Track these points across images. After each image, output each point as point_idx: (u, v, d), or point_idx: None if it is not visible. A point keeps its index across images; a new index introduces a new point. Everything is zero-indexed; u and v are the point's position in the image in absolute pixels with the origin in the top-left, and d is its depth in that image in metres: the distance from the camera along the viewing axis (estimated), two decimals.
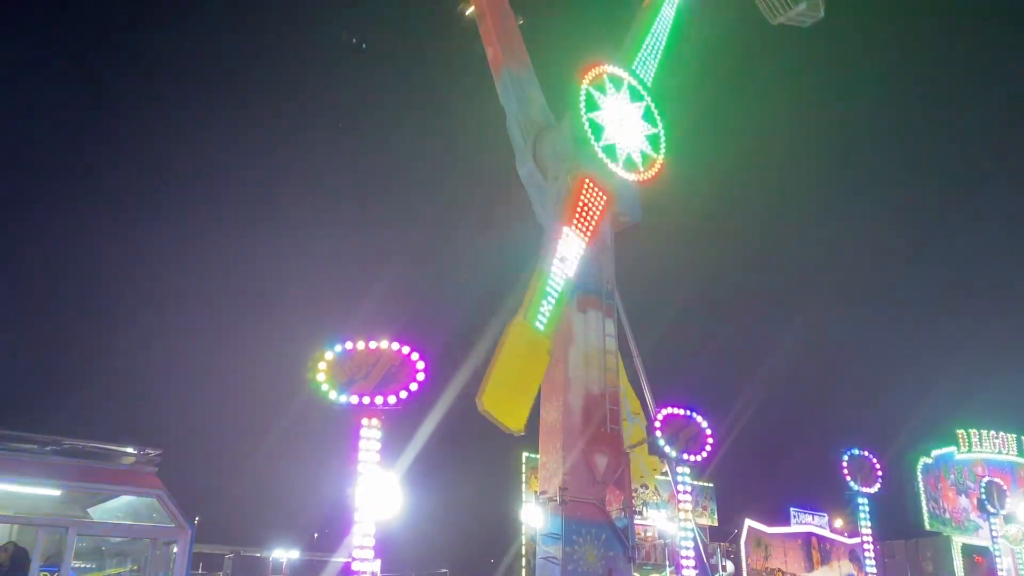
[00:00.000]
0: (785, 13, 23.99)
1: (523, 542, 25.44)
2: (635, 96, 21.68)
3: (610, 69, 21.26)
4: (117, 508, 13.38)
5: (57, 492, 12.28)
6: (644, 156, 21.37)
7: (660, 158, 21.50)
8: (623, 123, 21.13)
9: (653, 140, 21.69)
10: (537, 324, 17.28)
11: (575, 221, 19.07)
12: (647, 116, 21.80)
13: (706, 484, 31.69)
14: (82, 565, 14.45)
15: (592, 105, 20.57)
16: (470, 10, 22.08)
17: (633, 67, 22.10)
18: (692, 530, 17.59)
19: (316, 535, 33.96)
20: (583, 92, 20.32)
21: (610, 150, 20.61)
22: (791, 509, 33.94)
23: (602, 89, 20.87)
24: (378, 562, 15.40)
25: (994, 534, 26.33)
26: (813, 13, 24.08)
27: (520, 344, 16.87)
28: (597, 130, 20.46)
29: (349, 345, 12.93)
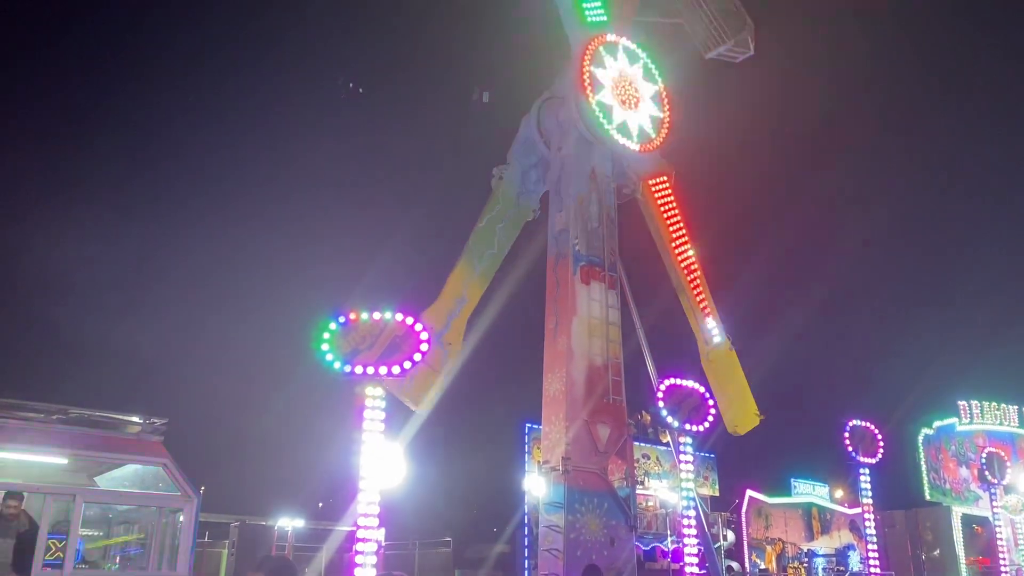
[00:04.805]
0: (715, 49, 24.05)
1: (526, 511, 25.63)
2: (632, 58, 21.52)
3: (607, 38, 21.07)
4: (124, 477, 13.47)
5: (64, 461, 12.35)
6: (653, 119, 21.32)
7: (667, 117, 21.51)
8: (627, 91, 21.00)
9: (656, 98, 21.65)
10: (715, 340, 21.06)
11: None
12: (647, 74, 21.68)
13: (708, 454, 31.86)
14: (90, 532, 14.60)
15: (599, 87, 20.44)
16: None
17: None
18: (693, 500, 17.70)
19: (321, 504, 34.27)
20: (587, 74, 20.18)
21: (624, 130, 20.55)
22: (792, 479, 34.13)
23: (601, 64, 20.70)
24: (382, 531, 15.55)
25: (994, 505, 26.48)
26: (742, 50, 24.22)
27: (721, 372, 20.53)
28: (605, 111, 20.36)
29: (353, 316, 12.94)
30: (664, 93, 21.78)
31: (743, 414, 20.54)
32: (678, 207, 21.64)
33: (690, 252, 21.46)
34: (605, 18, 21.33)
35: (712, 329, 21.03)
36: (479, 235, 20.34)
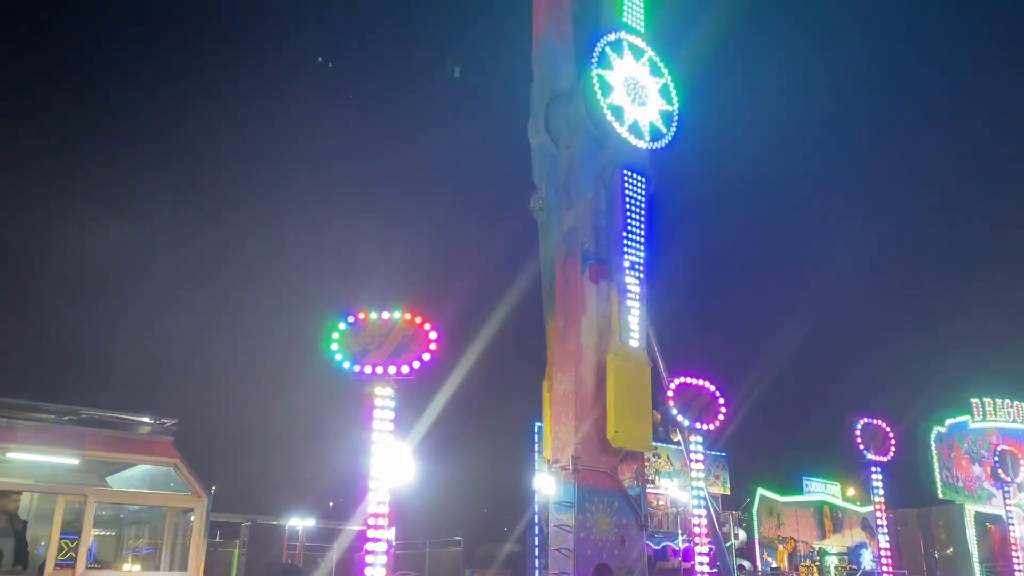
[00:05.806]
0: None
1: (536, 510, 25.61)
2: (656, 71, 21.43)
3: (632, 37, 21.01)
4: (135, 477, 13.54)
5: (75, 461, 12.41)
6: (652, 127, 21.19)
7: (669, 135, 21.34)
8: (638, 91, 20.91)
9: (666, 117, 21.48)
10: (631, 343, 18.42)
11: None
12: (663, 92, 21.56)
13: (719, 453, 31.79)
14: (101, 533, 14.68)
15: (607, 64, 20.32)
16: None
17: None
18: (704, 499, 17.65)
19: (331, 504, 34.39)
20: (599, 50, 20.06)
21: (618, 112, 20.36)
22: (804, 478, 34.04)
23: (619, 51, 20.63)
24: (393, 530, 15.55)
25: (1007, 502, 26.33)
26: None
27: (623, 372, 17.93)
28: (606, 89, 20.22)
29: (362, 316, 12.96)
30: (675, 115, 21.57)
31: (629, 429, 17.77)
32: (644, 211, 20.89)
33: (639, 257, 20.58)
34: (642, 28, 21.44)
35: (632, 331, 19.82)
36: (550, 280, 20.17)
